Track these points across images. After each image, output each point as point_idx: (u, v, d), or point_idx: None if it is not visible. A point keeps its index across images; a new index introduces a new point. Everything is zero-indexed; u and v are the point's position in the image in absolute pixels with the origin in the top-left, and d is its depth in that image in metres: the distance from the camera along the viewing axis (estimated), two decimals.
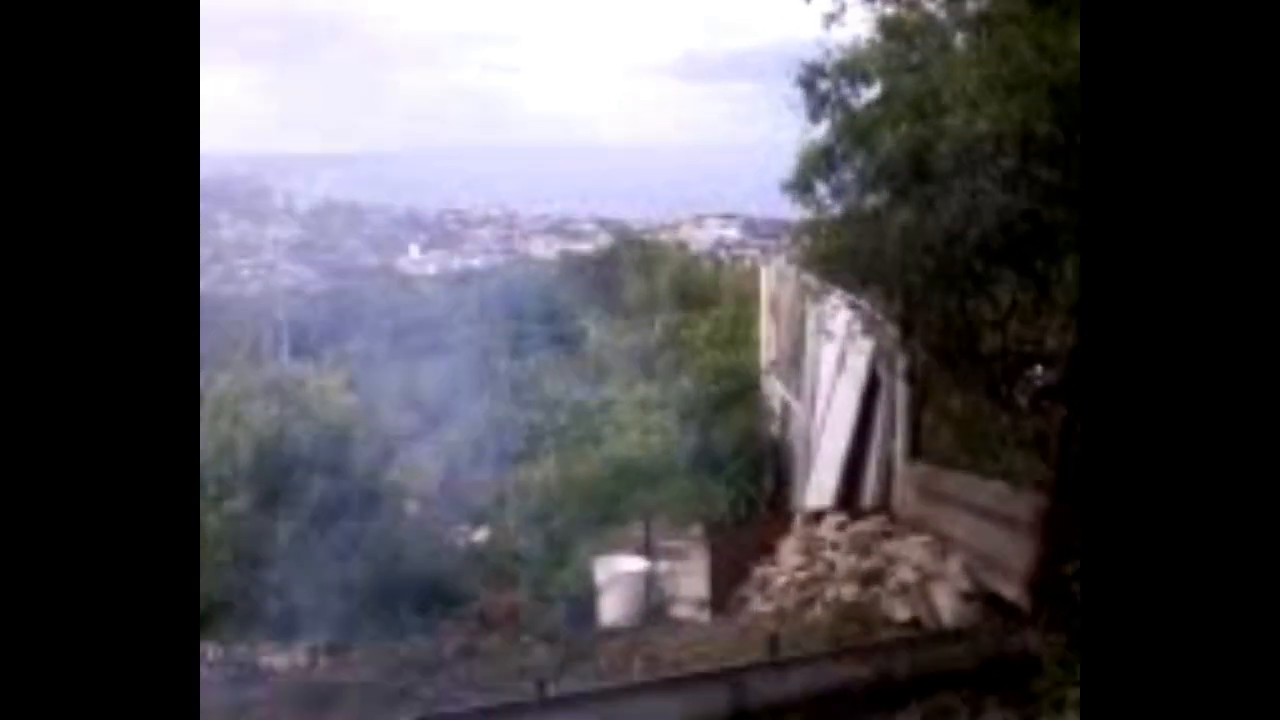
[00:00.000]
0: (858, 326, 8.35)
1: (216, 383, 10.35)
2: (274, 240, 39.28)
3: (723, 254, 30.57)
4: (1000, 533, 6.04)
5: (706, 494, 9.81)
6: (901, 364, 7.62)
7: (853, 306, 8.23)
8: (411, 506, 10.88)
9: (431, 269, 34.64)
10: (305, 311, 24.02)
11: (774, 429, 11.02)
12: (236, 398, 10.05)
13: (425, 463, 12.01)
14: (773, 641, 5.13)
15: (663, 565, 8.38)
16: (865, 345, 8.29)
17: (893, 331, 7.67)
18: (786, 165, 6.86)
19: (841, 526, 7.71)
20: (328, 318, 23.29)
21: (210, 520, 8.70)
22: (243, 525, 8.94)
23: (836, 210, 7.14)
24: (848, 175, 7.05)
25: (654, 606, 7.57)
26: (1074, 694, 4.49)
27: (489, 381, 13.78)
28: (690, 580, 8.17)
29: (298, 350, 19.14)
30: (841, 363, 9.01)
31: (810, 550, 7.66)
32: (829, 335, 9.22)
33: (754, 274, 16.06)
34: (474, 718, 4.91)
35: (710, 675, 4.96)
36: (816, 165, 6.97)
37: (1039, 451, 5.95)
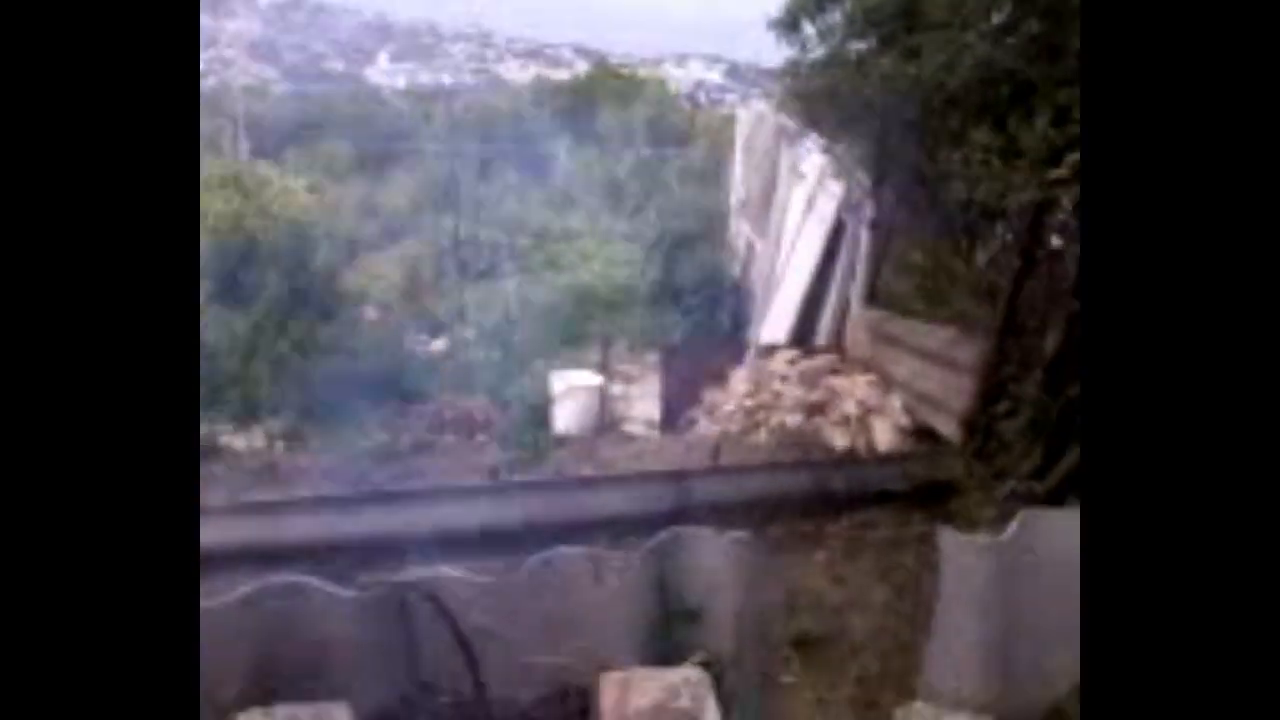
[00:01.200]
0: (830, 171, 8.40)
1: None
2: (233, 34, 37.27)
3: (703, 97, 29.85)
4: (943, 375, 6.34)
5: (664, 325, 10.02)
6: (868, 211, 7.74)
7: (826, 151, 8.25)
8: (370, 312, 10.95)
9: (401, 81, 33.34)
10: (266, 112, 23.17)
11: (737, 268, 11.17)
12: None
13: (386, 270, 12.00)
14: (715, 449, 5.42)
15: (617, 387, 8.65)
16: (835, 190, 8.36)
17: (863, 178, 7.74)
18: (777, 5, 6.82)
19: (792, 362, 7.98)
20: (290, 121, 22.52)
21: None
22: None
23: (821, 52, 7.12)
24: (836, 17, 6.99)
25: (606, 423, 7.87)
26: (988, 514, 4.88)
27: (453, 199, 13.60)
28: (642, 402, 8.47)
29: (259, 152, 18.61)
30: (810, 206, 9.08)
31: (760, 381, 7.96)
32: (800, 177, 9.26)
33: (731, 120, 15.79)
34: (428, 496, 5.18)
35: (656, 475, 5.26)
36: (805, 4, 6.90)
37: (990, 302, 6.18)
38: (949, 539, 3.32)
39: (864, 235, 7.90)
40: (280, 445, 7.38)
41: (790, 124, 9.87)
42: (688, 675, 2.45)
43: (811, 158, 9.07)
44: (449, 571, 2.54)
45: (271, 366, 8.28)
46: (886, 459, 5.81)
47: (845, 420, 6.84)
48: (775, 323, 9.06)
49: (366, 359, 8.80)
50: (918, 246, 7.46)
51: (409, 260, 12.57)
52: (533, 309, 10.76)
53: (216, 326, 8.85)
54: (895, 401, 6.76)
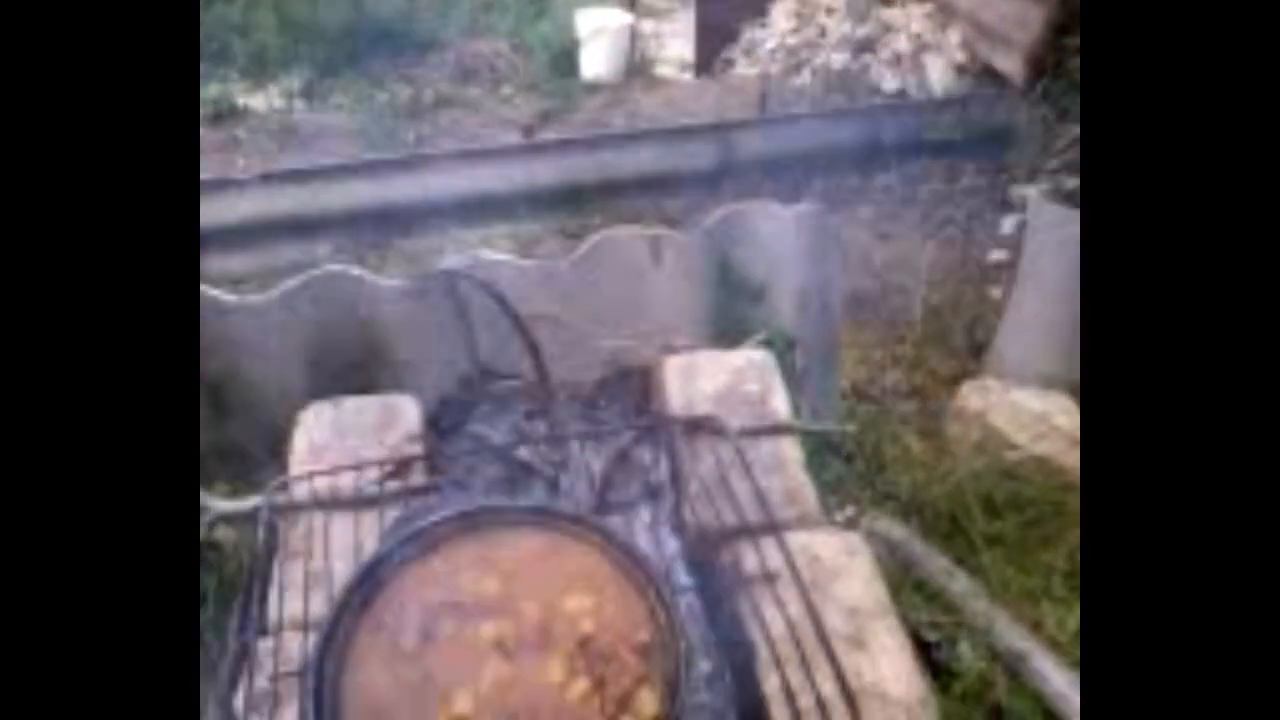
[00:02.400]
0: None
1: None
2: None
3: None
4: (1008, 2, 5.73)
5: None
6: None
7: None
8: None
9: None
10: None
11: None
12: None
13: None
14: (761, 99, 5.07)
15: (647, 24, 8.00)
16: None
17: None
18: None
19: None
20: None
21: None
22: None
23: None
24: None
25: (635, 65, 7.35)
26: (1049, 164, 4.62)
27: None
28: (675, 41, 7.87)
29: None
30: None
31: (803, 15, 7.29)
32: None
33: None
34: (462, 158, 4.97)
35: (699, 129, 4.98)
36: None
37: None
38: (1034, 201, 3.12)
39: None
40: (299, 104, 7.04)
41: None
42: (752, 357, 2.41)
43: None
44: (500, 257, 2.43)
45: (278, 15, 7.67)
46: (941, 104, 5.42)
47: (897, 59, 6.33)
48: None
49: (375, 5, 8.10)
50: None
51: None
52: None
53: None
54: (953, 36, 6.19)
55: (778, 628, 1.77)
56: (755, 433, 2.21)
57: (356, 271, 2.36)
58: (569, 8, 7.58)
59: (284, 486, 2.02)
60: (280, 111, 6.87)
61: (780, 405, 2.30)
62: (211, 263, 4.09)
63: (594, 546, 1.58)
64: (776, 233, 2.57)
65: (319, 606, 1.78)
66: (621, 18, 7.29)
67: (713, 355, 2.46)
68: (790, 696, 1.64)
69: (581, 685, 1.40)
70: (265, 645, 1.77)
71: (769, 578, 1.85)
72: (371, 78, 7.13)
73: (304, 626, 1.76)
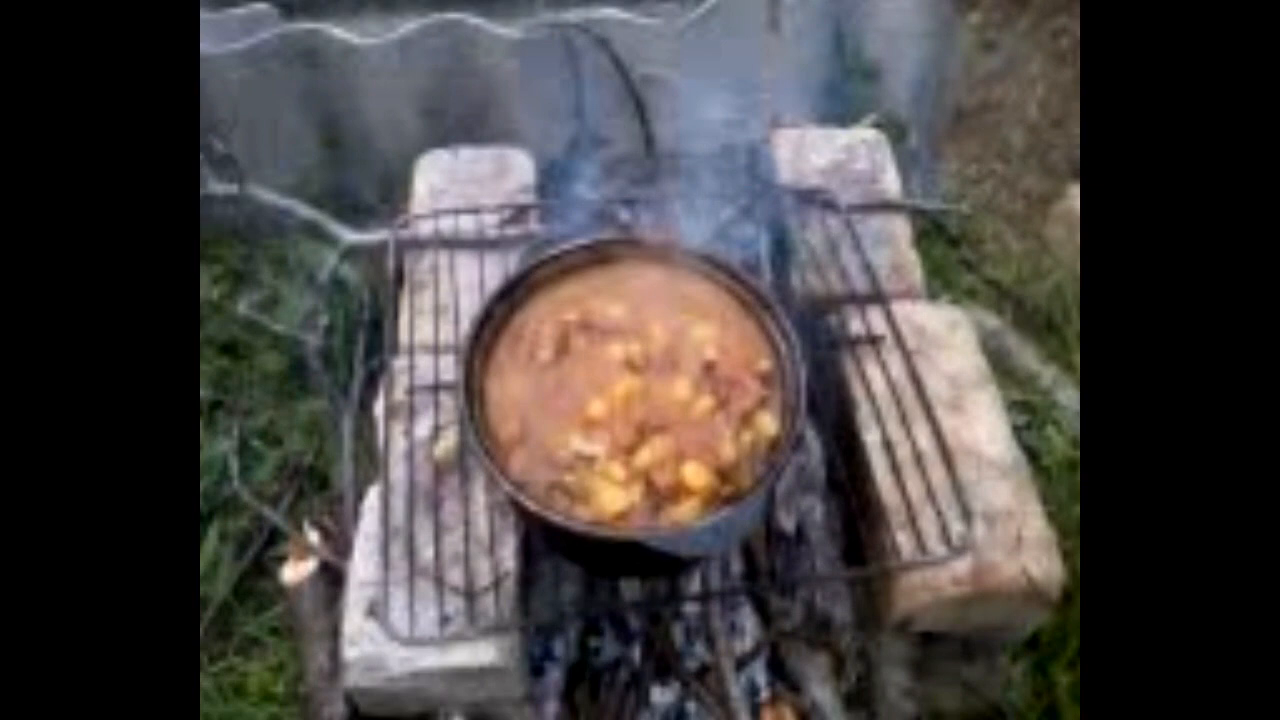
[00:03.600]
0: None
1: None
2: None
3: None
4: None
5: None
6: None
7: None
8: None
9: None
10: None
11: None
12: None
13: None
14: None
15: None
16: None
17: None
18: None
19: None
20: None
21: None
22: None
23: None
24: None
25: None
26: None
27: None
28: None
29: None
30: None
31: None
32: None
33: None
34: None
35: None
36: None
37: None
38: None
39: None
40: None
41: None
42: (864, 136, 2.39)
43: None
44: (616, 13, 2.38)
45: None
46: None
47: None
48: None
49: None
50: None
51: None
52: None
53: None
54: None
55: (879, 386, 1.84)
56: (865, 208, 2.21)
57: (474, 20, 2.34)
58: None
59: (408, 224, 2.09)
60: None
61: (891, 183, 2.29)
62: None
63: (718, 283, 1.64)
64: (897, 9, 2.48)
65: (448, 332, 1.88)
66: None
67: (823, 132, 2.44)
68: (889, 448, 1.73)
69: (707, 402, 1.49)
70: (399, 364, 1.89)
71: (873, 341, 1.91)
72: None
73: (435, 349, 1.87)
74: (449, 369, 1.76)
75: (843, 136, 2.40)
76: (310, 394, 2.30)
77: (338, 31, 2.30)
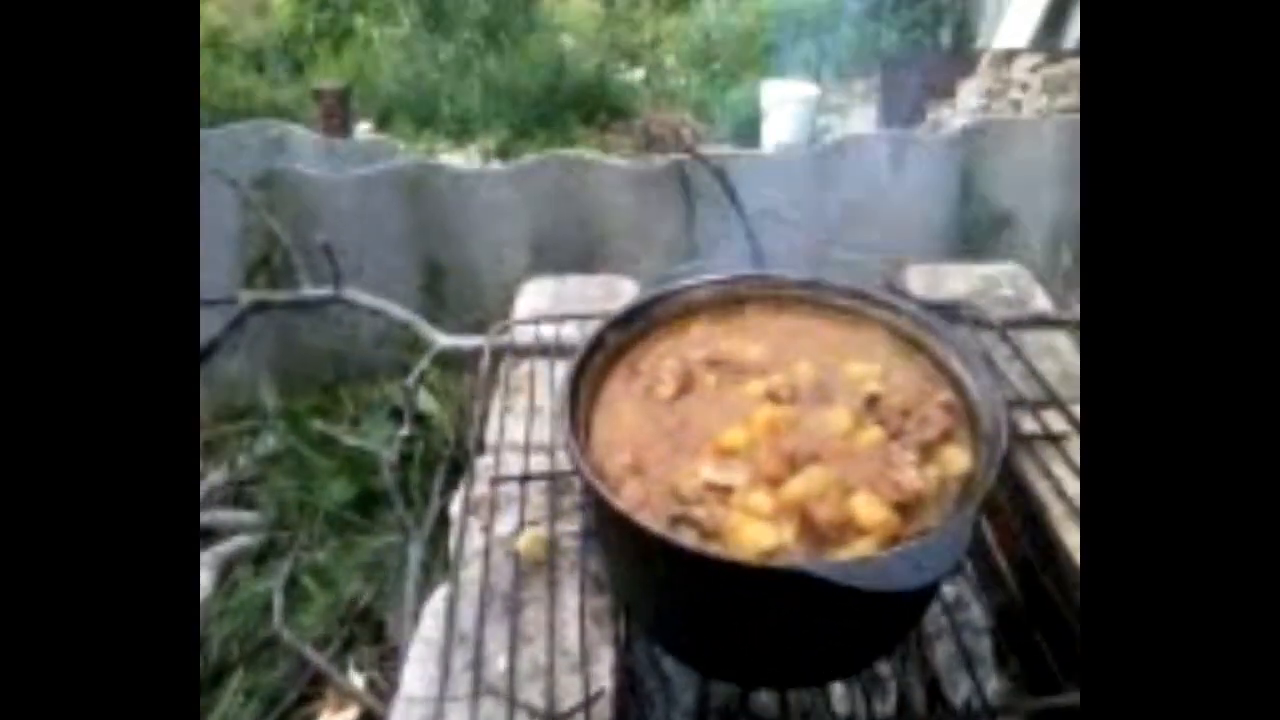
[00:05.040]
0: None
1: None
2: None
3: None
4: None
5: (877, 46, 9.14)
6: None
7: None
8: (567, 41, 10.60)
9: None
10: None
11: None
12: None
13: (579, 2, 11.50)
14: None
15: (832, 98, 8.07)
16: None
17: None
18: None
19: (1035, 69, 7.10)
20: None
21: (376, 35, 9.07)
22: (406, 42, 9.03)
23: None
24: None
25: (817, 135, 7.36)
26: None
27: None
28: (860, 116, 7.88)
29: None
30: None
31: (994, 91, 7.17)
32: None
33: None
34: None
35: None
36: None
37: None
38: None
39: None
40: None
41: None
42: (1005, 268, 2.17)
43: None
44: (734, 150, 2.30)
45: (482, 81, 8.20)
46: None
47: None
48: (1014, 28, 8.06)
49: (568, 79, 8.56)
50: None
51: None
52: (730, 35, 10.07)
53: (424, 55, 8.85)
54: None
55: (1070, 486, 1.48)
56: (1018, 324, 1.95)
57: (590, 155, 2.29)
58: (754, 80, 7.75)
59: (506, 329, 1.90)
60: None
61: (1043, 303, 2.04)
62: None
63: (873, 321, 1.36)
64: (1032, 149, 2.36)
65: (542, 434, 1.62)
66: (807, 89, 7.37)
67: (959, 266, 2.23)
68: None
69: (875, 433, 1.16)
70: (484, 461, 1.62)
71: (1053, 439, 1.57)
72: (564, 138, 7.42)
73: (525, 448, 1.61)
74: (542, 465, 1.52)
75: (981, 268, 2.20)
76: (375, 531, 2.00)
77: (455, 160, 2.27)
